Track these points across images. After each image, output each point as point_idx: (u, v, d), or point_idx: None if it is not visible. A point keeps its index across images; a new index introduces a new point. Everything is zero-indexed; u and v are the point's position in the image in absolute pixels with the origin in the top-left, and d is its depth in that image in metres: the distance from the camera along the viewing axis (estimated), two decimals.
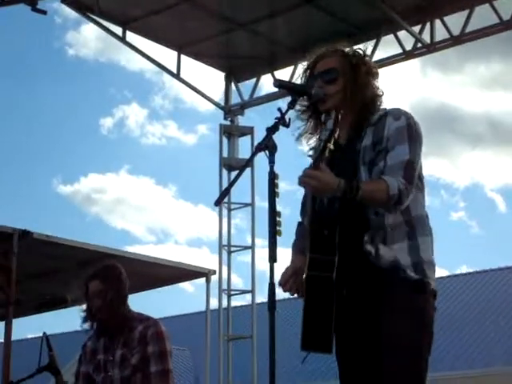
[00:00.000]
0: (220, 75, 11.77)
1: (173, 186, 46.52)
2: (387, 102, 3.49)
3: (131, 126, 42.68)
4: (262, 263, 11.03)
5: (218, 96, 11.91)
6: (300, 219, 3.64)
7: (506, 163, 38.00)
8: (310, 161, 3.56)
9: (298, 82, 3.52)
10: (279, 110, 3.20)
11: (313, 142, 3.54)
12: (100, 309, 4.59)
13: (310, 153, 3.56)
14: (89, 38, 37.16)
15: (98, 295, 4.59)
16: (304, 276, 3.28)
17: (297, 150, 3.61)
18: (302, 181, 3.14)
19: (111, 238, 49.10)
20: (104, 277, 4.65)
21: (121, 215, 44.77)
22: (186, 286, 39.77)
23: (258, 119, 12.11)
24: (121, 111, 47.48)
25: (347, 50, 3.51)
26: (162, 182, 51.44)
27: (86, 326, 4.68)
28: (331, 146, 3.12)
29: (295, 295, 3.40)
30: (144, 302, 4.68)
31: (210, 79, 17.53)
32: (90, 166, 41.71)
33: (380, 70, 3.59)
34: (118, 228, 43.47)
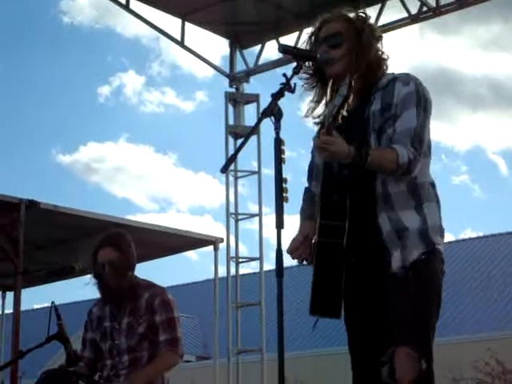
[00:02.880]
0: (224, 42, 11.71)
1: (172, 153, 46.56)
2: (389, 67, 3.47)
3: (129, 94, 42.59)
4: (268, 231, 11.01)
5: (223, 63, 11.87)
6: (307, 185, 3.63)
7: (508, 126, 37.93)
8: (316, 127, 3.55)
9: (304, 47, 3.49)
10: (284, 75, 3.19)
11: (319, 108, 3.52)
12: (110, 276, 4.60)
13: (317, 120, 3.54)
14: (83, 4, 36.98)
15: (110, 262, 4.60)
16: (314, 242, 3.28)
17: (299, 117, 3.58)
18: (319, 147, 3.12)
19: (112, 207, 49.34)
20: (115, 244, 4.66)
21: (121, 184, 44.85)
22: (190, 254, 39.88)
23: (263, 86, 12.05)
24: (118, 79, 47.42)
25: (351, 14, 3.49)
26: (161, 150, 51.48)
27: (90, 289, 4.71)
28: (345, 112, 3.09)
29: (304, 263, 3.40)
30: (149, 271, 4.70)
31: (214, 46, 17.44)
32: (89, 135, 41.74)
33: (390, 36, 3.56)
34: (118, 197, 43.62)
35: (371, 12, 10.02)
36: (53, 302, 4.55)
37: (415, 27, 10.80)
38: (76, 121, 40.80)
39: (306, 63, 3.39)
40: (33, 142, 41.15)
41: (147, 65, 43.71)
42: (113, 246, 4.66)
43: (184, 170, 45.56)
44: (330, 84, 3.38)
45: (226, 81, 11.66)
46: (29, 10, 39.03)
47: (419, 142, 3.28)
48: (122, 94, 41.56)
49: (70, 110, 40.84)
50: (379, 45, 3.45)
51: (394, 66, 3.46)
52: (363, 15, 3.49)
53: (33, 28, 40.68)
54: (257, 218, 11.04)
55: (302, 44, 3.54)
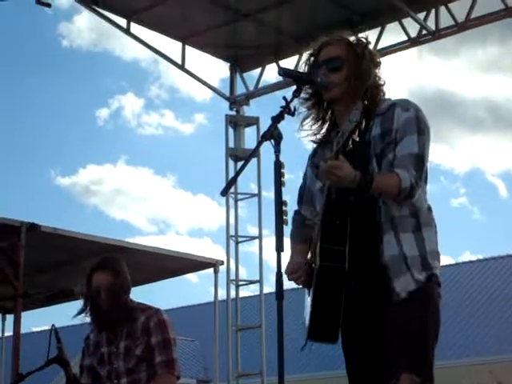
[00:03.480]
0: (222, 65, 11.76)
1: (171, 175, 46.49)
2: (387, 90, 3.48)
3: (128, 117, 42.60)
4: (267, 253, 11.03)
5: (221, 86, 11.93)
6: (297, 208, 3.64)
7: (507, 148, 37.86)
8: (310, 147, 3.58)
9: (303, 69, 3.51)
10: (284, 98, 3.20)
11: (316, 130, 3.53)
12: (105, 301, 4.57)
13: (314, 139, 3.54)
14: (82, 28, 37.10)
15: (105, 287, 4.58)
16: (314, 266, 3.28)
17: (296, 139, 3.60)
18: (328, 171, 3.14)
19: (111, 230, 49.17)
20: (109, 269, 4.63)
21: (120, 206, 44.72)
22: (190, 276, 39.75)
23: (263, 109, 12.09)
24: (117, 101, 47.48)
25: (352, 38, 3.50)
26: (160, 172, 51.35)
27: (84, 317, 4.67)
28: (356, 137, 3.10)
29: (300, 285, 3.40)
30: (149, 294, 4.69)
31: (213, 69, 17.51)
32: (88, 157, 41.74)
33: (382, 58, 3.58)
34: (117, 219, 43.45)
35: (370, 35, 10.06)
36: (53, 325, 4.54)
37: (413, 50, 10.83)
38: (75, 143, 40.82)
39: (306, 86, 3.40)
40: (31, 164, 41.16)
41: (146, 87, 43.80)
42: (107, 270, 4.63)
43: (183, 191, 45.60)
44: (324, 106, 3.43)
45: (225, 103, 11.72)
46: (27, 33, 39.15)
47: (420, 167, 3.29)
48: (120, 117, 41.63)
49: (68, 133, 40.90)
50: (378, 71, 3.47)
51: (392, 89, 3.49)
52: (364, 40, 3.50)
53: (31, 51, 40.79)
54: (256, 241, 11.05)
55: (301, 65, 3.55)
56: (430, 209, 3.42)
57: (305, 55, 3.56)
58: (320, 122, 3.52)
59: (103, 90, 41.45)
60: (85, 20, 33.38)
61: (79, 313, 4.65)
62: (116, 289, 4.59)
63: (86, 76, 40.86)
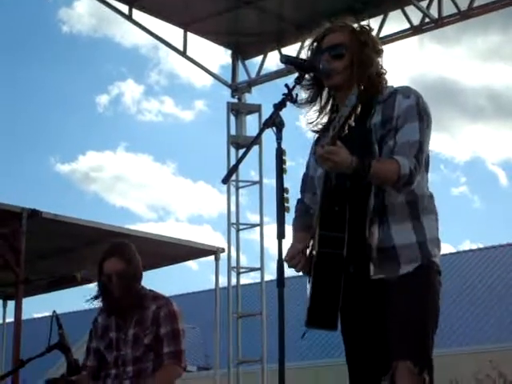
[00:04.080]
0: (222, 52, 11.75)
1: (171, 162, 46.51)
2: (388, 78, 3.48)
3: (127, 103, 42.59)
4: (268, 241, 11.01)
5: (221, 73, 11.91)
6: (300, 196, 3.64)
7: (508, 136, 37.87)
8: (313, 135, 3.57)
9: (306, 55, 3.50)
10: (286, 85, 3.19)
11: (317, 116, 3.53)
12: (117, 287, 4.57)
13: (315, 128, 3.55)
14: (82, 14, 37.05)
15: (117, 273, 4.57)
16: (314, 252, 3.28)
17: (298, 126, 3.60)
18: (323, 156, 3.13)
19: (111, 216, 49.27)
20: (122, 255, 4.62)
21: (120, 193, 44.84)
22: (190, 263, 39.82)
23: (265, 97, 12.08)
24: (116, 88, 47.45)
25: (355, 26, 3.49)
26: (160, 159, 51.49)
27: (97, 303, 4.68)
28: (352, 122, 3.10)
29: (300, 272, 3.40)
30: (149, 280, 4.65)
31: (213, 56, 17.48)
32: (88, 144, 41.70)
33: (390, 47, 3.57)
34: (117, 206, 43.56)
35: (373, 23, 10.06)
36: (54, 311, 4.54)
37: (415, 37, 10.81)
38: (75, 130, 40.84)
39: (308, 73, 3.39)
40: (31, 151, 41.19)
41: (146, 74, 43.78)
42: (119, 256, 4.62)
43: (183, 178, 45.67)
44: (325, 93, 3.43)
45: (225, 90, 11.70)
46: (27, 19, 39.13)
47: (420, 153, 3.28)
48: (120, 103, 41.62)
49: (68, 119, 40.93)
50: (380, 59, 3.46)
51: (393, 77, 3.48)
52: (367, 27, 3.49)
53: (31, 37, 40.77)
54: (256, 228, 11.06)
55: (304, 50, 3.54)
56: (431, 196, 3.42)
57: (308, 41, 3.54)
58: (321, 110, 3.52)
59: (103, 77, 41.47)
60: (85, 6, 33.39)
61: (93, 298, 4.65)
62: (128, 276, 4.59)
63: (85, 62, 40.88)
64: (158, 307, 4.60)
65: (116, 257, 4.60)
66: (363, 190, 3.28)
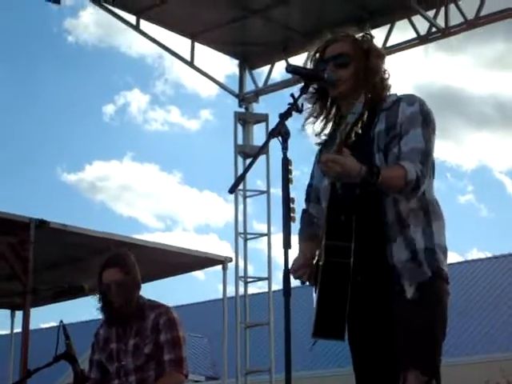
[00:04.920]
0: (228, 61, 11.77)
1: (177, 172, 46.50)
2: (393, 86, 3.48)
3: (133, 113, 42.62)
4: (274, 250, 11.00)
5: (227, 83, 11.94)
6: (305, 206, 3.64)
7: None
8: (316, 146, 3.57)
9: (308, 66, 3.51)
10: (292, 95, 3.19)
11: (321, 126, 3.53)
12: (116, 296, 4.58)
13: (318, 138, 3.55)
14: (87, 24, 37.15)
15: (116, 283, 4.58)
16: (321, 262, 3.27)
17: (302, 135, 3.59)
18: (326, 165, 3.12)
19: (118, 226, 49.27)
20: (120, 265, 4.63)
21: (127, 203, 44.85)
22: (197, 273, 39.78)
23: (272, 106, 12.09)
24: (123, 98, 47.53)
25: (357, 35, 3.50)
26: (166, 169, 51.53)
27: (97, 312, 4.69)
28: (359, 130, 3.10)
29: (306, 283, 3.39)
30: (156, 290, 4.67)
31: (219, 65, 17.49)
32: (94, 153, 41.72)
33: (395, 56, 3.58)
34: (124, 215, 43.59)
35: (380, 32, 10.07)
36: (61, 321, 4.55)
37: (420, 46, 10.80)
38: (81, 139, 40.92)
39: (313, 83, 3.40)
40: (38, 160, 41.24)
41: (151, 83, 43.88)
42: (118, 266, 4.63)
43: (189, 188, 45.68)
44: (328, 104, 3.46)
45: (231, 100, 11.72)
46: (32, 30, 39.25)
47: (426, 159, 3.28)
48: (126, 113, 41.66)
49: (74, 129, 40.98)
50: (384, 65, 3.47)
51: (399, 86, 3.48)
52: (369, 36, 3.50)
53: (37, 48, 40.85)
54: (262, 238, 11.07)
55: (306, 61, 3.55)
56: (437, 202, 3.42)
57: (310, 52, 3.56)
58: (325, 120, 3.52)
59: (109, 86, 41.57)
60: (90, 16, 33.47)
61: (100, 308, 4.66)
62: (127, 285, 4.60)
63: (91, 72, 40.95)
64: (156, 315, 4.60)
65: (115, 267, 4.61)
66: (373, 198, 3.27)
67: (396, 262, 3.27)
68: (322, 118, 3.52)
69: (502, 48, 32.39)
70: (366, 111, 3.11)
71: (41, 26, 40.04)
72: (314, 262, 3.39)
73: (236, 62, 11.80)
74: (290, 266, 3.13)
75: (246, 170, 3.25)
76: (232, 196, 10.99)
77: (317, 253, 3.40)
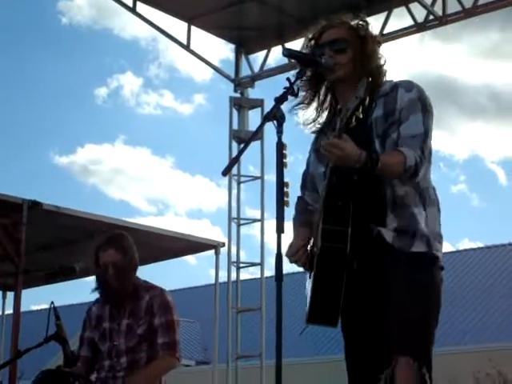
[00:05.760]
0: (223, 46, 11.73)
1: (170, 156, 46.44)
2: (388, 75, 3.47)
3: (126, 96, 42.49)
4: (267, 236, 11.01)
5: (221, 67, 11.89)
6: (300, 194, 3.63)
7: (507, 135, 37.85)
8: (311, 134, 3.57)
9: (305, 51, 3.49)
10: (288, 79, 3.19)
11: (316, 112, 3.51)
12: (113, 277, 4.57)
13: (313, 127, 3.53)
14: (81, 5, 37.01)
15: (113, 264, 4.58)
16: (315, 248, 3.26)
17: (296, 122, 3.58)
18: (326, 149, 3.12)
19: (110, 209, 49.34)
20: (118, 246, 4.63)
21: (119, 186, 44.82)
22: (189, 258, 39.83)
23: (268, 92, 12.06)
24: (115, 81, 47.44)
25: (353, 22, 3.49)
26: (158, 153, 51.52)
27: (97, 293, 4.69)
28: (360, 115, 3.09)
29: (301, 268, 3.39)
30: (147, 274, 4.66)
31: (213, 50, 17.43)
32: (86, 136, 41.65)
33: (390, 43, 3.57)
34: (116, 199, 43.55)
35: (377, 20, 10.04)
36: (52, 302, 4.55)
37: (415, 34, 10.78)
38: (73, 122, 40.83)
39: (310, 68, 3.38)
40: (30, 142, 41.15)
41: (145, 67, 43.79)
42: (116, 247, 4.63)
43: (181, 172, 45.64)
44: (323, 90, 3.45)
45: (225, 84, 11.70)
46: (26, 11, 39.02)
47: (425, 145, 3.29)
48: (119, 96, 41.53)
49: (67, 111, 40.89)
50: (380, 51, 3.46)
51: (393, 74, 3.48)
52: (364, 22, 3.49)
53: (30, 29, 40.64)
54: (255, 224, 11.09)
55: (302, 47, 3.54)
56: (434, 189, 3.43)
57: (305, 38, 3.55)
58: (319, 108, 3.51)
59: (102, 69, 41.45)
60: None
61: (95, 289, 4.66)
62: (124, 266, 4.60)
63: (84, 54, 40.83)
64: (151, 297, 4.60)
65: (112, 248, 4.60)
66: (370, 183, 3.27)
67: (393, 241, 3.26)
68: (316, 105, 3.51)
69: (497, 37, 32.41)
70: (367, 96, 3.10)
71: (35, 6, 39.86)
72: (309, 248, 3.39)
73: (230, 46, 11.78)
74: (283, 251, 3.12)
75: (240, 152, 3.25)
76: (224, 181, 11.04)
77: (311, 239, 3.39)
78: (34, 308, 29.01)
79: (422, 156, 3.26)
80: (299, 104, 3.49)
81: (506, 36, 31.82)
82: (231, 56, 11.77)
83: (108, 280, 4.58)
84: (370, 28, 3.49)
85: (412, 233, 3.28)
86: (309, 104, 3.50)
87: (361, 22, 3.49)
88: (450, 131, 38.48)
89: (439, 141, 35.06)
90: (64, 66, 40.31)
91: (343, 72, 3.38)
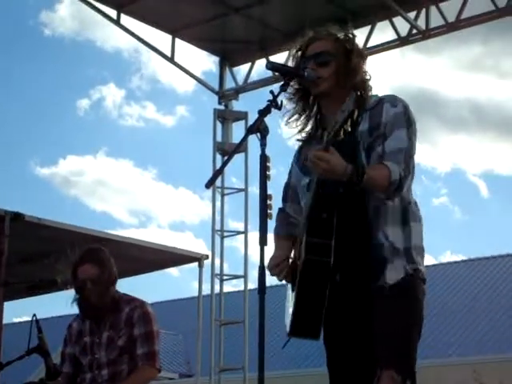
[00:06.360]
0: (206, 58, 11.75)
1: (152, 168, 46.35)
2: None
3: (108, 107, 42.39)
4: (250, 248, 11.02)
5: (204, 79, 11.92)
6: (281, 205, 3.64)
7: (489, 148, 38.02)
8: (297, 144, 3.57)
9: (290, 64, 3.50)
10: (271, 92, 3.19)
11: (302, 124, 3.52)
12: (91, 293, 4.55)
13: (299, 136, 3.54)
14: (64, 17, 36.96)
15: (90, 279, 4.56)
16: (300, 260, 3.26)
17: (279, 134, 3.59)
18: (312, 162, 3.12)
19: (92, 221, 49.05)
20: (96, 260, 4.61)
21: (100, 198, 44.64)
22: (172, 270, 39.68)
23: (252, 104, 12.08)
24: (98, 92, 47.35)
25: (339, 34, 3.49)
26: (141, 165, 51.27)
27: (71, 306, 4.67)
28: (348, 128, 3.09)
29: (283, 281, 3.39)
30: (130, 287, 4.65)
31: (196, 62, 17.46)
32: (68, 148, 41.49)
33: (373, 56, 3.58)
34: (98, 210, 43.35)
35: (360, 33, 10.09)
36: (34, 315, 4.52)
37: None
38: (55, 133, 40.66)
39: (293, 81, 3.39)
40: (11, 153, 40.82)
41: (127, 78, 43.76)
42: (93, 261, 4.61)
43: (164, 184, 45.55)
44: (310, 102, 3.44)
45: (208, 96, 11.72)
46: (8, 22, 38.85)
47: (410, 159, 3.30)
48: (101, 108, 41.40)
49: (48, 123, 40.70)
50: (365, 66, 3.47)
51: (375, 87, 3.49)
52: (351, 35, 3.49)
53: (12, 40, 40.43)
54: (238, 236, 11.11)
55: (288, 59, 3.55)
56: (416, 204, 3.44)
57: (292, 50, 3.55)
58: (305, 118, 3.52)
59: (84, 81, 41.27)
60: (67, 8, 33.22)
61: (73, 301, 4.64)
62: (102, 280, 4.58)
63: (67, 66, 40.66)
64: (131, 309, 4.59)
65: (89, 262, 4.59)
66: (355, 196, 3.27)
67: (373, 260, 3.26)
68: (304, 115, 3.52)
69: (479, 51, 32.60)
70: (356, 109, 3.11)
71: (16, 18, 39.71)
72: (291, 260, 3.38)
73: (213, 58, 11.85)
74: (266, 263, 3.12)
75: (224, 164, 3.26)
76: (207, 193, 11.06)
77: (293, 252, 3.39)
78: (16, 320, 28.84)
79: (407, 170, 3.26)
80: (293, 115, 3.49)
81: (488, 49, 32.06)
82: (213, 68, 11.82)
83: (86, 295, 4.56)
84: (356, 41, 3.50)
85: (394, 256, 3.27)
86: (301, 116, 3.51)
87: (347, 35, 3.50)
88: (432, 144, 38.62)
89: (421, 153, 35.14)
90: (46, 78, 40.23)
91: (326, 86, 3.38)
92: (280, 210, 3.63)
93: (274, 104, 3.17)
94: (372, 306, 3.27)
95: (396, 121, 3.33)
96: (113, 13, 10.74)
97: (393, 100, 3.40)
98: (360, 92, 3.37)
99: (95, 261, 4.61)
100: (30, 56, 40.69)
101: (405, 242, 3.31)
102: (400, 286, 3.26)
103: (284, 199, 3.63)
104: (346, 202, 3.27)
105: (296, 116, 3.51)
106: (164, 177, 46.67)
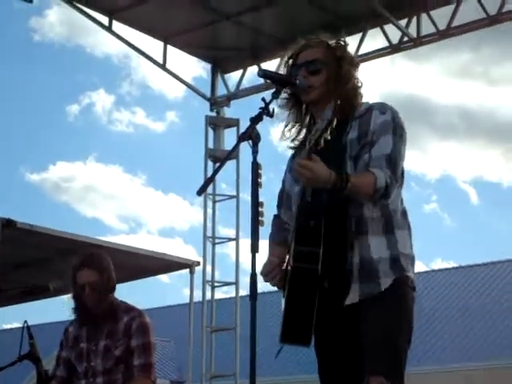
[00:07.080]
0: (196, 64, 11.77)
1: (142, 174, 46.30)
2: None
3: (98, 113, 42.35)
4: (241, 255, 11.02)
5: (195, 85, 11.93)
6: (276, 212, 3.65)
7: (478, 155, 38.12)
8: (291, 152, 3.58)
9: (282, 71, 3.51)
10: (263, 99, 3.20)
11: (294, 132, 3.53)
12: (90, 298, 4.55)
13: (292, 144, 3.55)
14: (54, 22, 36.94)
15: (90, 284, 4.55)
16: (289, 267, 3.27)
17: (270, 141, 3.60)
18: (296, 171, 3.13)
19: (82, 227, 48.89)
20: (96, 266, 4.60)
21: (91, 204, 44.61)
22: (162, 277, 39.66)
23: (243, 111, 12.11)
24: (87, 98, 47.32)
25: (331, 41, 3.51)
26: (130, 171, 51.27)
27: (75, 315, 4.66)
28: (328, 136, 3.10)
29: (275, 287, 3.40)
30: (120, 293, 4.65)
31: (189, 69, 17.49)
32: (58, 154, 41.45)
33: (362, 64, 3.59)
34: (88, 216, 43.30)
35: (352, 40, 10.12)
36: (25, 321, 4.52)
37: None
38: (45, 139, 40.62)
39: (285, 88, 3.40)
40: (1, 160, 40.86)
41: (117, 84, 43.80)
42: (93, 267, 4.60)
43: (153, 190, 45.50)
44: (303, 109, 3.45)
45: (198, 102, 11.75)
46: None
47: (395, 167, 3.30)
48: (91, 113, 41.36)
49: (38, 128, 40.68)
50: (356, 73, 3.48)
51: (366, 94, 3.50)
52: (342, 42, 3.51)
53: (1, 45, 40.43)
54: (229, 243, 11.11)
55: (279, 67, 3.56)
56: (404, 212, 3.43)
57: (283, 57, 3.56)
58: (298, 126, 3.53)
59: (74, 86, 41.22)
60: (56, 14, 33.19)
61: (73, 310, 4.64)
62: (101, 287, 4.57)
63: (56, 71, 40.64)
64: (130, 319, 4.58)
65: (89, 268, 4.58)
66: (341, 204, 3.28)
67: (354, 269, 3.28)
68: (295, 124, 3.53)
69: (469, 58, 32.70)
70: (335, 118, 3.11)
71: (5, 24, 39.67)
72: (284, 267, 3.40)
73: (203, 64, 11.86)
74: (257, 270, 3.13)
75: (215, 171, 3.27)
76: (197, 200, 11.13)
77: (286, 258, 3.40)
78: (7, 327, 28.78)
79: (393, 177, 3.26)
80: (288, 124, 3.51)
81: (477, 56, 32.17)
82: (204, 74, 11.87)
83: (84, 300, 4.56)
84: (348, 49, 3.52)
85: (372, 266, 3.27)
86: (294, 124, 3.52)
87: (339, 42, 3.51)
88: (421, 151, 38.72)
89: (411, 160, 35.25)
90: (36, 83, 40.18)
91: (317, 94, 3.40)
92: (275, 216, 3.65)
93: (265, 111, 3.18)
94: (361, 313, 3.28)
95: (383, 128, 3.33)
96: (104, 19, 10.75)
97: (382, 107, 3.41)
98: (347, 99, 3.38)
99: (95, 266, 4.60)
100: (20, 62, 40.67)
101: (391, 250, 3.31)
102: (389, 293, 3.27)
103: (278, 206, 3.65)
104: (332, 210, 3.28)
105: (290, 125, 3.52)
106: (153, 183, 46.67)
